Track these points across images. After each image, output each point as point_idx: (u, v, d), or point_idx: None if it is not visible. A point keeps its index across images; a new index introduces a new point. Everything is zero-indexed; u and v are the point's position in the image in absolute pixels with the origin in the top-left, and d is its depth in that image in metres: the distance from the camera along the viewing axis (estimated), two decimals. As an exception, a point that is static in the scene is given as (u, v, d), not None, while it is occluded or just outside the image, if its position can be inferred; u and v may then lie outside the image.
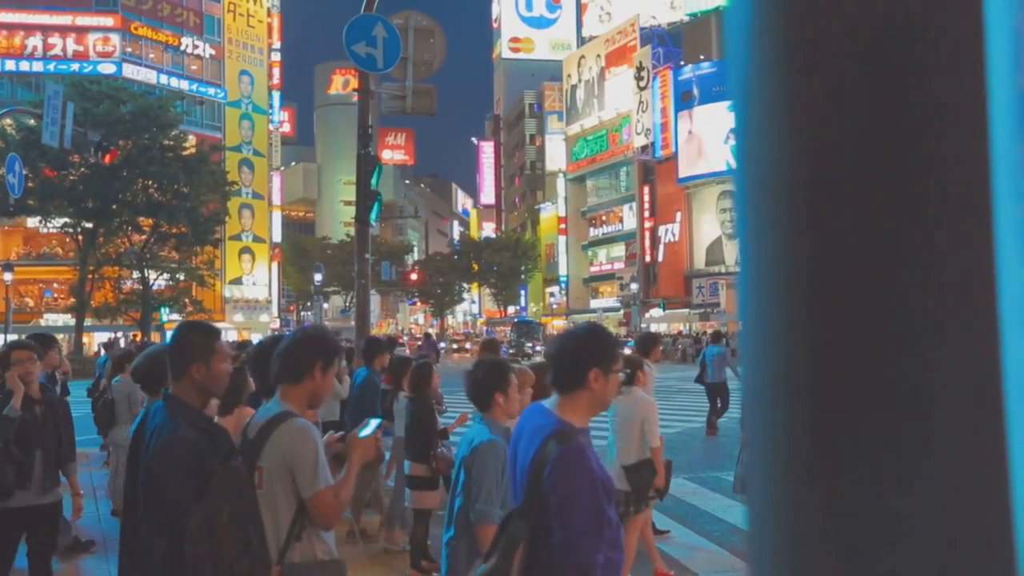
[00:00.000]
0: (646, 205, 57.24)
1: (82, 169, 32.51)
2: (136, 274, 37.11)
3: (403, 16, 8.45)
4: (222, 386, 2.76)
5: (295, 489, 2.44)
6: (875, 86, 0.53)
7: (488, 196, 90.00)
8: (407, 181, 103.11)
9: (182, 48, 52.54)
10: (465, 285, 72.00)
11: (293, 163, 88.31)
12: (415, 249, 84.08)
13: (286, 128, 75.27)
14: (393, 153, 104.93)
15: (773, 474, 0.57)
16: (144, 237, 36.24)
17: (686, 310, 51.40)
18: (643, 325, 50.44)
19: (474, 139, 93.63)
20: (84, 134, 15.70)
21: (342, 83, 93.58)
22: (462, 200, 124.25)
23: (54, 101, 14.46)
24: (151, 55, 50.93)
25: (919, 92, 0.52)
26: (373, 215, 7.68)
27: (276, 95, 61.80)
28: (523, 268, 66.72)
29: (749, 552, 0.60)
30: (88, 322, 35.84)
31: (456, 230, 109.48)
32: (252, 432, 2.58)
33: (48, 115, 14.42)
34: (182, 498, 2.44)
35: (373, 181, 7.66)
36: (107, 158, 16.29)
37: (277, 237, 61.46)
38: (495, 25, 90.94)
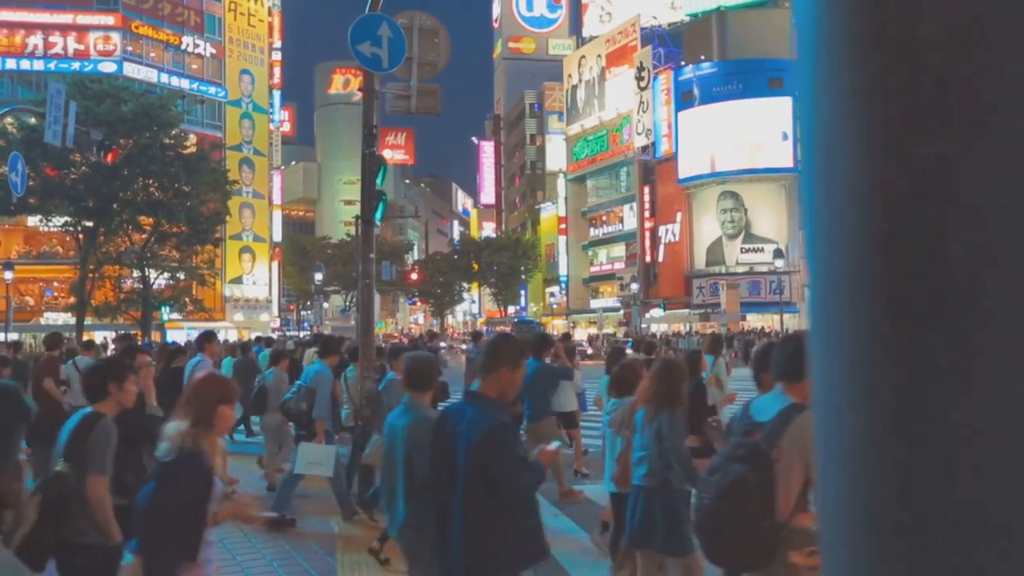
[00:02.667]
0: (646, 205, 57.23)
1: (83, 168, 32.48)
2: (136, 273, 37.08)
3: (408, 16, 8.46)
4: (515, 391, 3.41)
5: (806, 468, 2.84)
6: (955, 83, 0.52)
7: (488, 196, 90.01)
8: (407, 181, 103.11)
9: (183, 47, 52.54)
10: (465, 285, 72.00)
11: (293, 163, 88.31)
12: (415, 249, 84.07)
13: (286, 127, 75.28)
14: (393, 153, 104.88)
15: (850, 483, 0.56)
16: (144, 236, 36.21)
17: (686, 311, 51.40)
18: (643, 325, 50.46)
19: (474, 139, 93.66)
20: (86, 133, 15.68)
21: (342, 83, 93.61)
22: (462, 200, 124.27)
23: (56, 100, 14.44)
24: (152, 54, 50.93)
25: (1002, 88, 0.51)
26: (378, 215, 7.68)
27: (277, 94, 61.80)
28: (523, 268, 66.72)
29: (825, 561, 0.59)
30: (88, 321, 35.78)
31: (456, 230, 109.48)
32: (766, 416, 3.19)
33: (51, 114, 14.41)
34: (516, 480, 2.98)
35: (378, 181, 7.66)
36: (109, 157, 16.29)
37: (277, 236, 61.47)
38: (495, 25, 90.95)
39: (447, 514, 3.07)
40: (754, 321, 48.17)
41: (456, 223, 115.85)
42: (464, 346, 33.09)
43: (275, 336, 35.01)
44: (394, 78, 8.49)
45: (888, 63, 0.54)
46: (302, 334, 53.06)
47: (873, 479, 0.54)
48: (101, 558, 3.39)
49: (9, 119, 31.06)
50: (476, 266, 66.01)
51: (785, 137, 50.32)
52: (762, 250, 50.32)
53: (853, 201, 0.56)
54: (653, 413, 4.36)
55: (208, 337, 9.47)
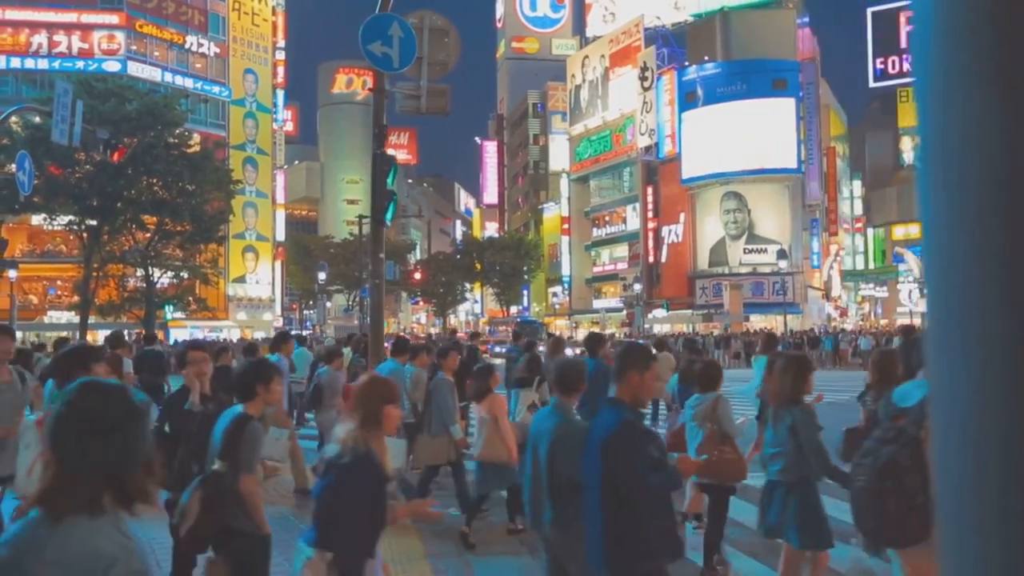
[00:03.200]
0: (649, 206, 57.19)
1: (87, 167, 32.53)
2: (140, 272, 37.12)
3: (418, 16, 8.45)
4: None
5: None
6: None
7: (491, 196, 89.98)
8: (410, 180, 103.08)
9: (187, 46, 52.57)
10: (467, 285, 71.96)
11: (296, 162, 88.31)
12: (417, 248, 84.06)
13: (289, 127, 75.28)
14: (396, 152, 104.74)
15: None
16: (148, 235, 36.26)
17: (689, 311, 51.36)
18: (646, 326, 50.42)
19: (477, 139, 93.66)
20: (93, 132, 15.70)
21: (345, 82, 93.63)
22: (464, 200, 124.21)
23: (64, 99, 14.46)
24: (156, 53, 50.97)
25: None
26: (389, 215, 7.67)
27: (280, 93, 61.80)
28: (526, 268, 66.67)
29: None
30: (91, 320, 35.83)
31: (459, 230, 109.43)
32: (909, 402, 3.40)
33: (58, 113, 14.42)
34: (641, 480, 3.15)
35: (389, 181, 7.66)
36: (115, 156, 16.30)
37: (280, 236, 61.47)
38: (499, 25, 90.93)
39: (592, 514, 3.26)
40: (757, 322, 48.12)
41: (459, 223, 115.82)
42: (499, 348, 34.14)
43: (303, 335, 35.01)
44: (404, 78, 8.48)
45: None
46: (305, 333, 53.07)
47: (990, 468, 0.54)
48: (254, 544, 3.67)
49: (14, 118, 31.09)
50: (479, 266, 65.98)
51: (769, 135, 50.30)
52: (765, 251, 50.28)
53: (990, 193, 0.55)
54: (781, 409, 4.49)
55: (284, 337, 9.69)
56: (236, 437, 3.64)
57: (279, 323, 58.01)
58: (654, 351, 10.66)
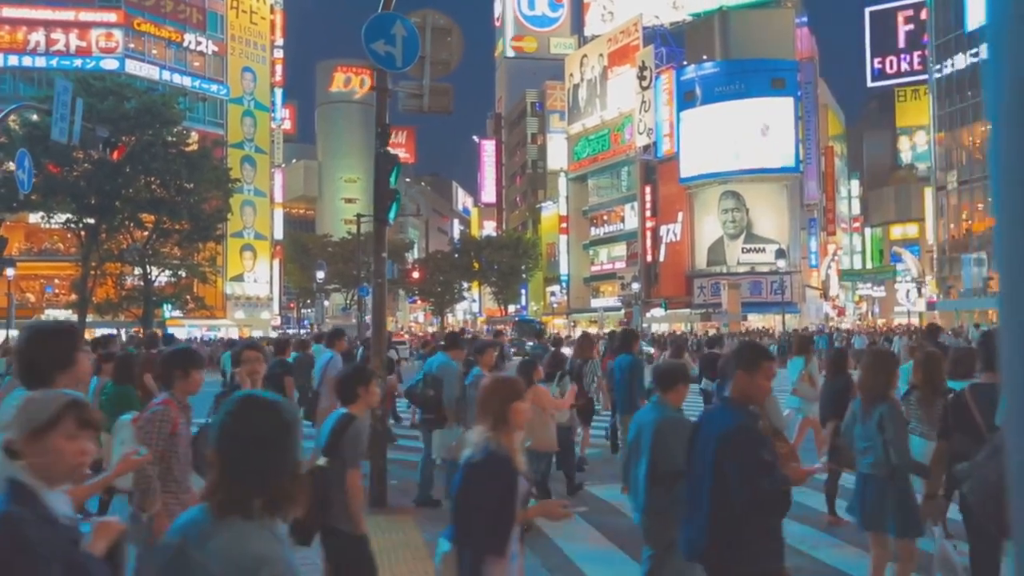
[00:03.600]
0: (647, 205, 57.23)
1: (85, 165, 32.46)
2: (138, 270, 37.06)
3: (421, 15, 8.43)
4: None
5: None
6: None
7: (489, 195, 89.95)
8: (408, 179, 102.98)
9: (185, 44, 52.49)
10: (465, 284, 71.90)
11: (294, 160, 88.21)
12: (415, 247, 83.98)
13: (287, 125, 75.17)
14: (394, 151, 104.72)
15: None
16: (146, 233, 36.19)
17: (687, 310, 51.40)
18: (644, 325, 50.43)
19: (475, 137, 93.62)
20: (92, 130, 15.65)
21: (343, 81, 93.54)
22: (462, 199, 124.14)
23: (63, 97, 14.39)
24: (154, 51, 50.89)
25: None
26: (392, 214, 7.67)
27: (279, 92, 61.71)
28: (524, 267, 66.67)
29: None
30: (89, 318, 35.76)
31: (456, 229, 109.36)
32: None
33: (57, 111, 14.36)
34: (750, 481, 3.19)
35: (391, 180, 7.65)
36: (115, 154, 16.26)
37: (278, 234, 61.40)
38: (497, 23, 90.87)
39: (697, 506, 3.36)
40: (755, 321, 48.18)
41: (456, 222, 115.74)
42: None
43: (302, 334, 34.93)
44: (406, 77, 8.45)
45: None
46: (303, 332, 52.98)
47: None
48: (348, 543, 3.83)
49: (12, 116, 30.98)
50: (477, 265, 65.97)
51: (766, 130, 50.33)
52: (763, 250, 50.34)
53: None
54: (870, 404, 4.62)
55: (338, 334, 9.69)
56: (340, 435, 3.90)
57: (277, 322, 57.99)
58: (621, 352, 10.75)
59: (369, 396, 4.14)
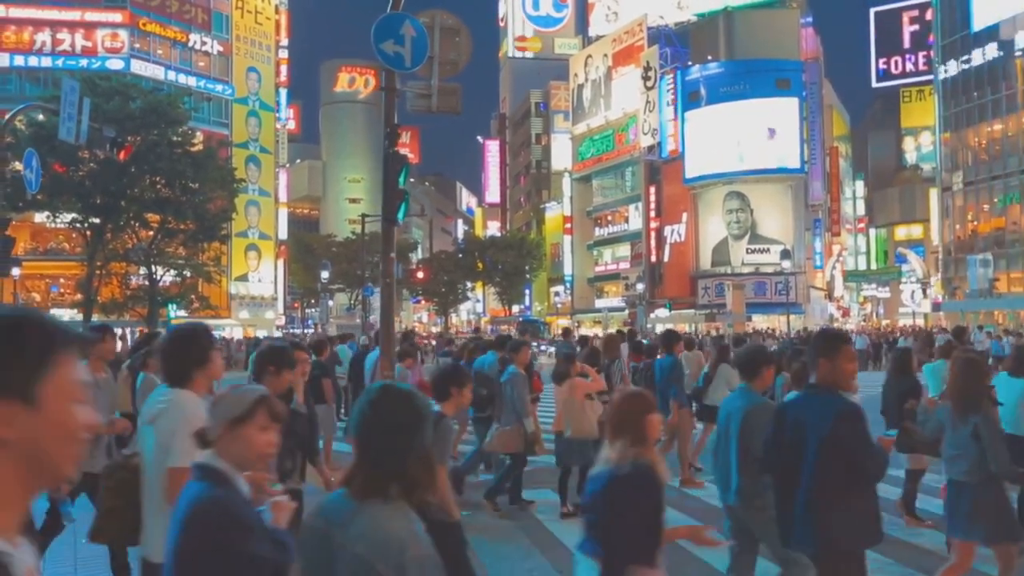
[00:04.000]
0: (652, 205, 57.17)
1: (91, 165, 32.53)
2: (143, 270, 37.11)
3: (429, 15, 8.44)
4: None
5: None
6: None
7: (493, 195, 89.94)
8: (412, 179, 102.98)
9: (190, 44, 52.56)
10: (469, 284, 71.90)
11: (298, 160, 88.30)
12: (419, 247, 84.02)
13: (291, 125, 75.25)
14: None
15: None
16: (151, 233, 36.24)
17: (692, 311, 51.34)
18: (648, 326, 50.40)
19: (479, 138, 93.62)
20: (99, 130, 15.70)
21: (348, 81, 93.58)
22: (466, 199, 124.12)
23: (71, 97, 14.45)
24: (159, 51, 50.96)
25: None
26: (401, 214, 7.67)
27: (283, 92, 61.77)
28: (528, 267, 66.65)
29: None
30: (94, 318, 35.82)
31: (460, 229, 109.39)
32: None
33: (65, 111, 14.42)
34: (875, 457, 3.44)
35: (400, 180, 7.65)
36: (122, 154, 16.30)
37: (283, 234, 61.46)
38: (502, 24, 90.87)
39: (791, 492, 3.51)
40: (760, 322, 48.08)
41: (460, 222, 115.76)
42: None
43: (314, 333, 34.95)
44: (414, 77, 8.47)
45: None
46: (306, 332, 53.05)
47: None
48: (446, 531, 3.90)
49: (18, 116, 31.03)
50: (481, 265, 65.97)
51: (772, 133, 50.27)
52: (768, 251, 50.24)
53: None
54: (963, 413, 4.64)
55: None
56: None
57: (281, 321, 58.06)
58: (684, 351, 11.19)
59: (461, 397, 4.23)
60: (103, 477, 3.59)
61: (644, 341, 14.17)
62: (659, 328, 50.43)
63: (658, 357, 9.45)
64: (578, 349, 10.86)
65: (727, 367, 9.38)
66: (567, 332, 17.31)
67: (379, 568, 1.69)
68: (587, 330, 56.97)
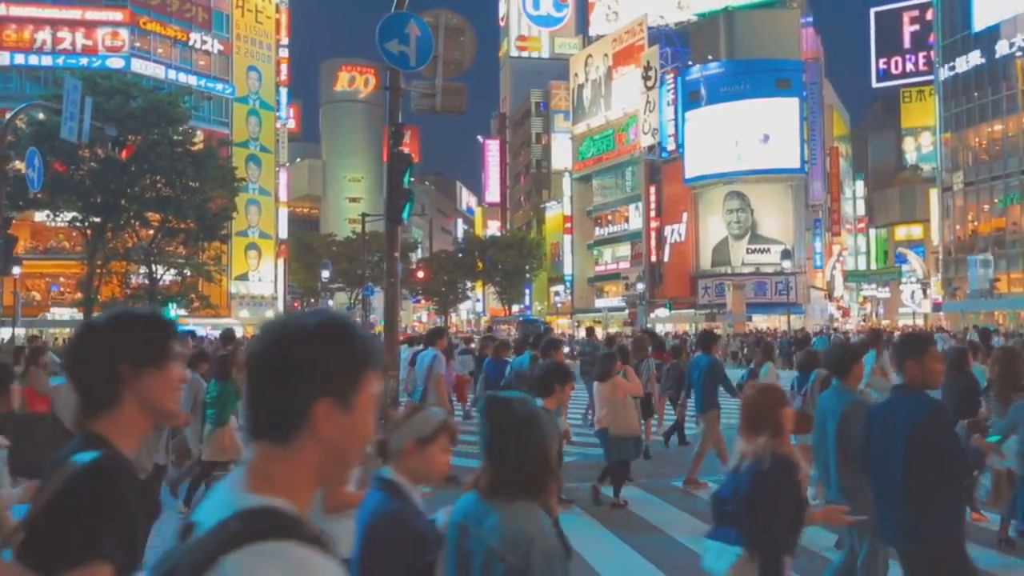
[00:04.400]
0: (652, 205, 57.16)
1: (91, 164, 32.50)
2: (144, 269, 37.09)
3: (433, 14, 8.43)
4: None
5: None
6: None
7: (493, 194, 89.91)
8: (412, 179, 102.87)
9: (190, 43, 52.51)
10: (469, 283, 71.89)
11: (298, 160, 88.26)
12: (419, 247, 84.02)
13: (292, 124, 75.20)
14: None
15: None
16: (152, 232, 36.21)
17: (692, 311, 51.34)
18: (649, 325, 50.42)
19: (480, 137, 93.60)
20: (101, 129, 15.68)
21: (348, 80, 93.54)
22: (466, 198, 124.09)
23: (73, 96, 14.44)
24: (159, 50, 50.92)
25: None
26: (405, 213, 7.66)
27: (283, 91, 61.72)
28: (528, 267, 66.62)
29: None
30: (94, 316, 35.80)
31: (460, 228, 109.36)
32: None
33: (67, 110, 14.40)
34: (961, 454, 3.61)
35: (405, 179, 7.64)
36: (124, 153, 16.27)
37: (283, 233, 61.42)
38: (502, 23, 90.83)
39: (884, 490, 3.68)
40: (760, 322, 48.09)
41: (460, 221, 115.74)
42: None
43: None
44: (419, 76, 8.46)
45: None
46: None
47: None
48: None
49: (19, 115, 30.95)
50: (481, 265, 65.96)
51: (766, 139, 50.27)
52: (768, 251, 50.25)
53: None
54: (1005, 401, 4.99)
55: (439, 332, 9.90)
56: None
57: (281, 321, 57.87)
58: (700, 352, 11.38)
59: (563, 393, 4.44)
60: None
61: (673, 341, 14.78)
62: (659, 328, 50.52)
63: (694, 355, 9.85)
64: (603, 348, 11.16)
65: (771, 365, 9.71)
66: (590, 331, 17.82)
67: (508, 559, 1.86)
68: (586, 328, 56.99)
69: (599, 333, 29.72)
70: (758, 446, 3.14)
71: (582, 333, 28.36)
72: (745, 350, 30.66)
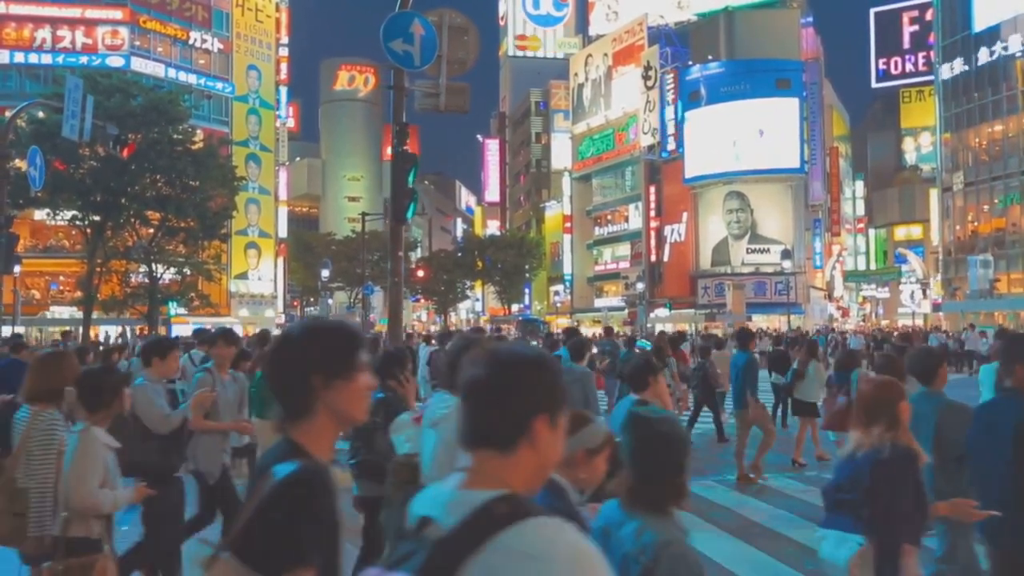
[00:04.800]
0: (652, 205, 57.16)
1: (92, 162, 32.46)
2: (143, 268, 37.05)
3: (437, 14, 8.42)
4: None
5: None
6: None
7: (493, 194, 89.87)
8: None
9: (190, 42, 52.48)
10: (468, 283, 71.88)
11: (297, 159, 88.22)
12: (419, 246, 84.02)
13: (291, 123, 75.15)
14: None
15: None
16: (152, 231, 36.17)
17: (692, 310, 51.36)
18: (648, 325, 50.42)
19: (479, 136, 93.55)
20: (103, 127, 15.67)
21: (347, 79, 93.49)
22: (466, 198, 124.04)
23: (75, 94, 14.42)
24: (159, 49, 50.89)
25: None
26: (410, 213, 7.66)
27: (283, 90, 61.70)
28: (527, 266, 66.62)
29: None
30: (94, 315, 35.77)
31: (460, 227, 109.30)
32: None
33: (68, 108, 14.39)
34: None
35: (409, 179, 7.63)
36: (125, 152, 16.27)
37: (283, 232, 61.41)
38: (502, 22, 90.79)
39: (988, 492, 3.69)
40: (760, 322, 48.12)
41: (459, 220, 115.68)
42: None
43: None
44: (422, 75, 8.45)
45: None
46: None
47: None
48: None
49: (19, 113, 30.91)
50: (480, 264, 65.94)
51: (761, 134, 50.27)
52: (768, 251, 50.27)
53: None
54: None
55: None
56: None
57: (281, 320, 57.97)
58: (714, 350, 11.67)
59: (658, 384, 4.78)
60: (392, 471, 4.01)
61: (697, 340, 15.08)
62: (659, 328, 50.51)
63: (735, 351, 10.04)
64: (622, 347, 11.40)
65: (817, 363, 10.04)
66: (608, 331, 17.89)
67: (642, 561, 2.05)
68: (587, 329, 57.03)
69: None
70: (874, 437, 3.25)
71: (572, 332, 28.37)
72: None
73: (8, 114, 34.93)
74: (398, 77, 8.10)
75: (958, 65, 48.76)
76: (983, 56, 46.85)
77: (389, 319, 8.81)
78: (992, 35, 45.99)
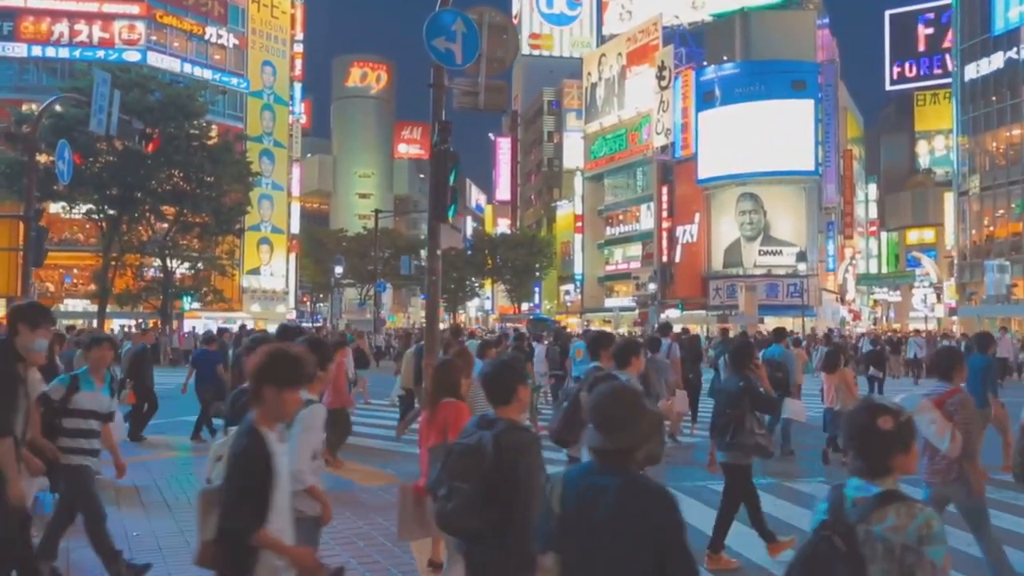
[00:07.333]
0: (664, 205, 56.99)
1: (109, 157, 32.59)
2: (158, 262, 37.19)
3: (477, 12, 8.39)
4: None
5: None
6: None
7: (504, 192, 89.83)
8: (422, 175, 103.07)
9: (206, 37, 52.65)
10: (478, 281, 71.87)
11: (309, 155, 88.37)
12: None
13: (303, 120, 75.29)
14: (408, 147, 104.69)
15: None
16: (167, 226, 36.31)
17: (703, 312, 51.21)
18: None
19: (491, 135, 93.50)
20: (129, 122, 15.70)
21: (360, 76, 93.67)
22: (476, 196, 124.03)
23: (102, 89, 14.45)
24: (175, 44, 51.05)
25: None
26: (451, 212, 7.63)
27: (297, 86, 61.79)
28: (538, 265, 66.55)
29: None
30: (108, 309, 35.93)
31: (470, 226, 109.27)
32: None
33: (96, 103, 14.41)
34: None
35: (451, 177, 7.61)
36: (150, 147, 16.29)
37: (295, 228, 61.53)
38: (515, 21, 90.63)
39: None
40: (771, 324, 47.93)
41: (469, 219, 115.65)
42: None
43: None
44: (461, 73, 8.42)
45: None
46: (316, 326, 52.95)
47: None
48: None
49: (34, 106, 31.10)
50: (490, 262, 65.89)
51: (784, 134, 50.06)
52: (780, 252, 50.06)
53: None
54: None
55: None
56: None
57: (292, 315, 58.10)
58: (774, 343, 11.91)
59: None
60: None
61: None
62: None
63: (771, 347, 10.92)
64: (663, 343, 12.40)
65: (849, 366, 10.81)
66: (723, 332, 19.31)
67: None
68: (595, 329, 56.82)
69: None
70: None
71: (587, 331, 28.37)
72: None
73: (25, 107, 35.20)
74: (438, 75, 8.08)
75: (977, 67, 48.41)
76: (1003, 58, 46.51)
77: (426, 316, 8.79)
78: (1013, 37, 45.64)
